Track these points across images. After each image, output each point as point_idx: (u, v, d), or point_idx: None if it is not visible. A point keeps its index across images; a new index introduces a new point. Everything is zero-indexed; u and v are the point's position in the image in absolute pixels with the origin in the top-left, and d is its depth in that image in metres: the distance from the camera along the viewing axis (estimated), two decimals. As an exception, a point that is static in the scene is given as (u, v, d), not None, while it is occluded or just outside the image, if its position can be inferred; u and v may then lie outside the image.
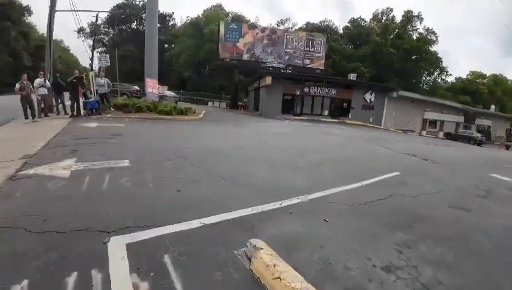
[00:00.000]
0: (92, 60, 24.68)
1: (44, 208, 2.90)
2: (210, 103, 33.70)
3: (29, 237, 2.37)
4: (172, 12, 54.23)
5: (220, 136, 9.15)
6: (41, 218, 2.67)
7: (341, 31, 51.67)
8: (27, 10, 39.18)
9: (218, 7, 48.53)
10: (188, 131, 9.63)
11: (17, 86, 8.96)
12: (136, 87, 22.97)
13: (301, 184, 4.45)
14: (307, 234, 2.86)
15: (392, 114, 26.34)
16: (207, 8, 47.40)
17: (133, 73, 35.18)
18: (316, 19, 52.52)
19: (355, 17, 52.69)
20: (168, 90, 26.73)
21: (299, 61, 30.62)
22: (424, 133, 28.05)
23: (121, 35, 49.81)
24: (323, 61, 32.77)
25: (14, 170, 3.94)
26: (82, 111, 11.15)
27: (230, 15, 47.01)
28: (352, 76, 29.54)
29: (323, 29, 46.20)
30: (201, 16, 44.99)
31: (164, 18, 49.92)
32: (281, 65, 29.63)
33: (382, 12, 52.00)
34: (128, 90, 21.69)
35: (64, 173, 3.92)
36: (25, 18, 39.75)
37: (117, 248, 2.30)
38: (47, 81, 10.59)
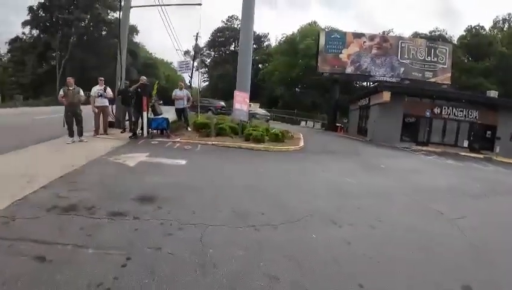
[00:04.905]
0: (191, 77, 25.72)
1: None
2: (302, 123, 30.46)
3: None
4: (268, 33, 54.46)
5: (358, 206, 4.54)
6: None
7: (455, 41, 42.65)
8: (134, 30, 41.79)
9: (313, 24, 46.09)
10: (290, 188, 5.21)
11: (61, 92, 7.20)
12: (222, 103, 22.11)
13: None
14: None
15: (544, 150, 17.50)
16: (302, 25, 45.52)
17: (229, 91, 35.78)
18: (421, 30, 43.71)
19: (473, 25, 42.73)
20: (259, 107, 25.13)
21: (418, 74, 24.53)
22: None
23: (221, 57, 52.94)
24: (449, 75, 25.73)
25: None
26: (146, 130, 8.96)
27: (326, 30, 43.63)
28: (493, 94, 21.62)
29: (435, 40, 38.26)
30: (296, 33, 43.25)
31: (259, 39, 50.50)
32: (394, 79, 24.16)
33: (503, 20, 42.22)
34: (213, 106, 20.90)
35: None
36: (133, 37, 41.79)
37: None
38: (108, 89, 8.67)
